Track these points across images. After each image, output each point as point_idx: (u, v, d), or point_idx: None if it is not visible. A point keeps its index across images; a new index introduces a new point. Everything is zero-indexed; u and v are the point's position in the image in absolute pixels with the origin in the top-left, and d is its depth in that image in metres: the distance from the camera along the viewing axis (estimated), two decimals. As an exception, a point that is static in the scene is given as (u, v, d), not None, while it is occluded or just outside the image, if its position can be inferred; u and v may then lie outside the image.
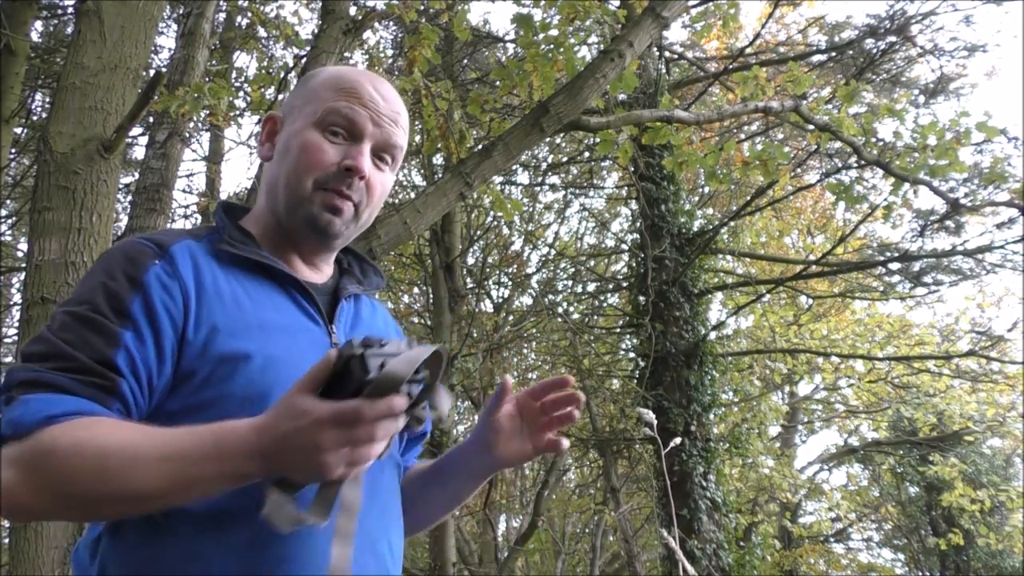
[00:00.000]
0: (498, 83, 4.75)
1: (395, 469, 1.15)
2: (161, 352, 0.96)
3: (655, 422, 1.47)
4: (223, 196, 8.19)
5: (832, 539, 15.94)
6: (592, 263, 11.25)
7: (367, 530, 0.98)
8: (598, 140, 4.46)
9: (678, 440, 1.80)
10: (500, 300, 11.20)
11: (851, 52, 9.85)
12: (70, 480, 0.85)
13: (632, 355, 9.30)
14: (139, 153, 8.22)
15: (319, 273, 1.18)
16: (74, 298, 0.99)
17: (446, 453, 1.26)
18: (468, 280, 9.80)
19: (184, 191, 8.94)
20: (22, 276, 6.90)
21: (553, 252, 10.89)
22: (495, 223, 10.37)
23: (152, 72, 3.54)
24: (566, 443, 1.13)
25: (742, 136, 9.94)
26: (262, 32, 6.84)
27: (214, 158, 8.58)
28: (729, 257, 10.57)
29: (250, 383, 0.97)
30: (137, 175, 5.21)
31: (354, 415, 0.81)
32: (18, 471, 0.86)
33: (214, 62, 5.92)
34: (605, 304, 10.82)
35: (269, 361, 0.99)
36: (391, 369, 0.82)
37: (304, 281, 1.11)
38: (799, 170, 10.18)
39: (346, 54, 4.15)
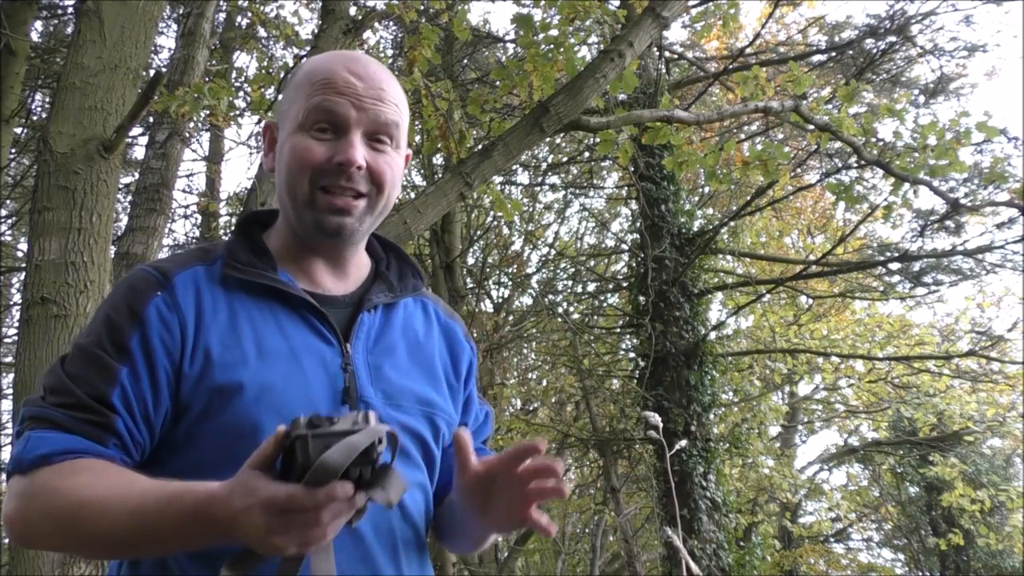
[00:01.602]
0: (498, 83, 4.74)
1: (420, 493, 1.09)
2: (156, 388, 0.98)
3: (660, 425, 1.46)
4: (223, 196, 8.20)
5: (832, 539, 15.94)
6: (592, 263, 11.23)
7: (376, 564, 0.98)
8: (598, 140, 4.46)
9: (684, 443, 1.80)
10: (500, 300, 11.21)
11: (851, 52, 9.84)
12: (50, 523, 0.91)
13: (632, 355, 9.29)
14: (139, 153, 8.21)
15: (345, 280, 1.14)
16: (87, 327, 1.03)
17: (448, 501, 1.15)
18: (468, 280, 9.80)
19: (184, 191, 8.94)
20: (22, 276, 6.89)
21: (553, 252, 10.89)
22: (495, 223, 10.37)
23: (152, 72, 3.53)
24: (553, 527, 0.95)
25: (742, 136, 9.93)
26: (262, 32, 6.84)
27: (214, 158, 8.60)
28: (729, 257, 10.55)
29: (243, 415, 0.96)
30: (137, 175, 5.21)
31: (288, 503, 0.77)
32: (19, 504, 0.93)
33: (214, 62, 5.91)
34: (605, 304, 10.81)
35: (264, 391, 0.97)
36: (326, 459, 0.76)
37: (316, 297, 1.07)
38: (799, 170, 10.17)
39: (346, 54, 4.15)
